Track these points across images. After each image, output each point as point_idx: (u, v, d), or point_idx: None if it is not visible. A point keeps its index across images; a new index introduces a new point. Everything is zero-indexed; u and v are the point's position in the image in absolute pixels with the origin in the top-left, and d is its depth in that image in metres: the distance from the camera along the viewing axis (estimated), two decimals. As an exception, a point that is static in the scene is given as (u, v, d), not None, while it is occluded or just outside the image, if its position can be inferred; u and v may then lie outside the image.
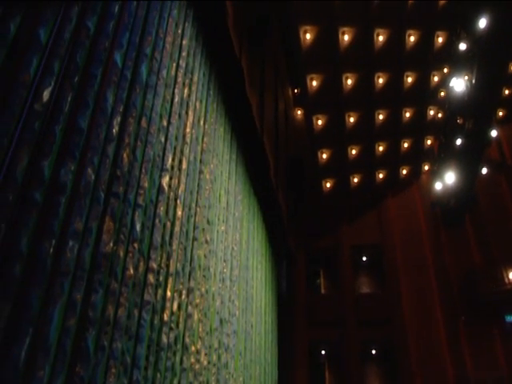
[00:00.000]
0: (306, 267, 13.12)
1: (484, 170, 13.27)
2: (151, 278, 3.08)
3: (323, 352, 12.38)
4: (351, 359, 11.80)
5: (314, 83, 11.56)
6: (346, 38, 10.78)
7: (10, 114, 2.35)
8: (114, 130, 3.15)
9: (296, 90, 11.95)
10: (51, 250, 2.25)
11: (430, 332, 12.03)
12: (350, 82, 11.68)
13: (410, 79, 12.09)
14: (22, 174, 2.29)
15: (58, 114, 2.72)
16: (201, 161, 4.87)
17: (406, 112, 12.89)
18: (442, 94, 12.79)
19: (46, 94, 2.63)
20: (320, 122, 12.41)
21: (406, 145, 13.78)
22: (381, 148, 13.51)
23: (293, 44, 10.46)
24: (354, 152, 13.29)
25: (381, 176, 14.28)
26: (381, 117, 12.70)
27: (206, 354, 3.91)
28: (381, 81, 11.87)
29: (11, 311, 1.91)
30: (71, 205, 2.52)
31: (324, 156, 13.23)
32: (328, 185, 13.98)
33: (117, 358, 2.42)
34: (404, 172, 14.57)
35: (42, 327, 2.03)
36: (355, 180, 14.05)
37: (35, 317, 2.01)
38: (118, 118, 3.32)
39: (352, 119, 12.51)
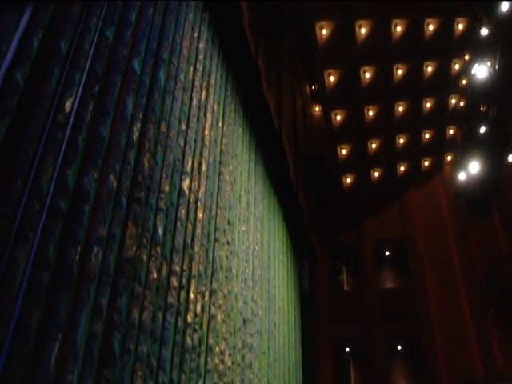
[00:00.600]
0: (328, 264, 12.98)
1: (510, 158, 12.73)
2: (174, 280, 3.11)
3: (347, 349, 12.24)
4: (376, 356, 11.62)
5: (332, 78, 11.39)
6: (363, 31, 10.56)
7: (35, 125, 2.40)
8: (134, 137, 3.19)
9: (313, 87, 11.80)
10: (77, 257, 2.29)
11: (457, 326, 11.69)
12: (368, 75, 11.44)
13: (429, 69, 11.73)
14: (47, 183, 2.34)
15: (80, 124, 2.77)
16: (220, 162, 4.87)
17: (426, 102, 12.52)
18: (464, 81, 12.35)
19: (68, 105, 2.68)
20: (338, 118, 12.23)
21: (427, 136, 13.40)
22: (401, 140, 13.20)
23: (309, 40, 10.33)
24: (374, 146, 13.04)
25: (402, 169, 13.95)
26: (401, 109, 12.40)
27: (230, 355, 3.93)
28: (400, 72, 11.57)
29: (41, 318, 1.96)
30: (95, 212, 2.56)
31: (343, 151, 13.04)
32: (348, 180, 13.78)
33: (143, 360, 2.45)
34: (426, 164, 14.18)
35: (70, 332, 2.08)
36: (376, 174, 13.79)
37: (63, 322, 2.06)
38: (138, 124, 3.35)
39: (371, 113, 12.26)
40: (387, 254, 13.70)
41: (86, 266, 2.35)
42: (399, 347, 12.19)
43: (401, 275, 13.21)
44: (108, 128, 2.98)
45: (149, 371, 2.50)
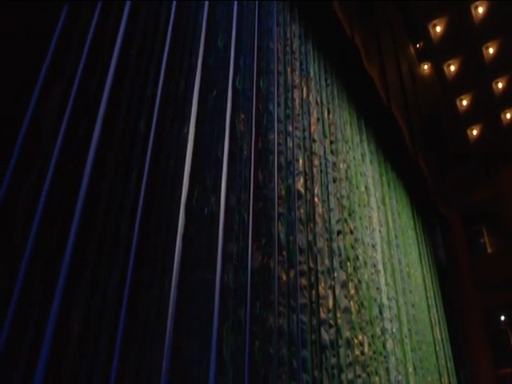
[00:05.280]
0: (463, 228, 11.11)
1: None
2: (303, 280, 2.94)
3: (502, 318, 10.31)
4: (540, 320, 9.50)
5: (438, 29, 9.58)
6: (467, -37, 8.45)
7: (159, 167, 2.47)
8: (245, 152, 3.09)
9: (418, 45, 10.10)
10: (211, 276, 2.30)
11: None
12: (481, 9, 9.22)
13: None
14: (177, 214, 2.40)
15: (197, 152, 2.77)
16: (331, 152, 4.48)
17: None
18: None
19: (183, 139, 2.70)
20: (453, 68, 10.26)
21: None
22: (536, 67, 10.27)
23: (406, -2, 8.79)
24: (500, 85, 10.53)
25: (541, 99, 10.89)
26: (530, 33, 9.60)
27: (369, 344, 3.61)
28: (523, -8, 8.92)
29: (189, 338, 2.00)
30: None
31: (464, 103, 10.92)
32: (475, 132, 11.53)
33: (284, 364, 2.37)
34: None
35: (217, 349, 2.09)
36: (508, 116, 11.13)
37: (208, 340, 2.07)
38: (247, 139, 3.25)
39: (491, 50, 9.89)
40: (537, 199, 10.98)
41: (222, 283, 2.34)
42: None
43: (559, 224, 10.45)
44: (222, 150, 2.93)
45: (291, 374, 2.40)
